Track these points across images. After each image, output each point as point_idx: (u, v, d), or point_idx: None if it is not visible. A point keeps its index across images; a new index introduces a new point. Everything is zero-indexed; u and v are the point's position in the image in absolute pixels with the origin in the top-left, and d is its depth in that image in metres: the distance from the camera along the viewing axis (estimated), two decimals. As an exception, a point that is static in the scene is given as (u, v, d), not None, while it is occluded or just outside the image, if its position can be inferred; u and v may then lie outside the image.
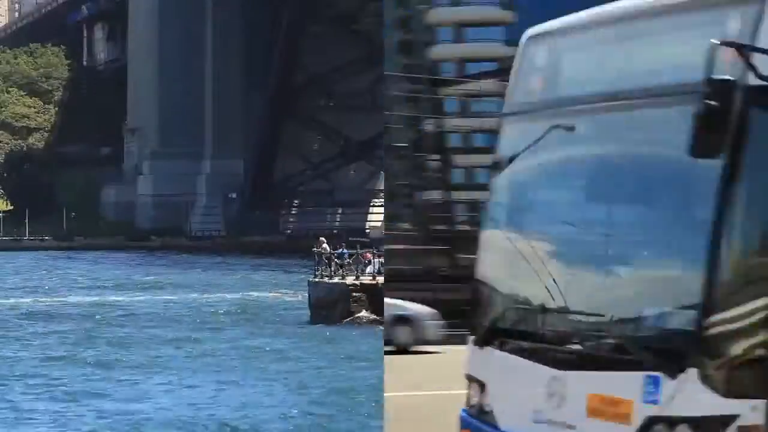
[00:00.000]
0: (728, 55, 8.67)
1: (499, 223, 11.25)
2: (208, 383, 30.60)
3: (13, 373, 33.10)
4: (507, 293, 10.90)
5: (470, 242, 12.92)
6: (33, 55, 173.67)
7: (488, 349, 10.73)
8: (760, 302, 8.82)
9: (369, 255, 44.98)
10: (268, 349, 37.45)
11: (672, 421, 8.77)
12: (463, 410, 11.07)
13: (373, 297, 41.31)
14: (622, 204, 9.91)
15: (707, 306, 8.75)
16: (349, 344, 37.17)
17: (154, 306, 56.92)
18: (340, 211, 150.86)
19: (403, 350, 28.60)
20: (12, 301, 59.53)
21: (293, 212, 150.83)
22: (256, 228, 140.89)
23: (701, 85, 8.62)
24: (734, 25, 8.93)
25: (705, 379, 8.68)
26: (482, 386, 10.71)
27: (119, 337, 42.29)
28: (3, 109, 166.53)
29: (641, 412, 9.01)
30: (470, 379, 10.92)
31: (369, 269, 44.09)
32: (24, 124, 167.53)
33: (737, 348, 8.82)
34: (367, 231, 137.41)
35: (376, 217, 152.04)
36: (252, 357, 35.82)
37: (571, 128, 10.16)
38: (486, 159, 12.93)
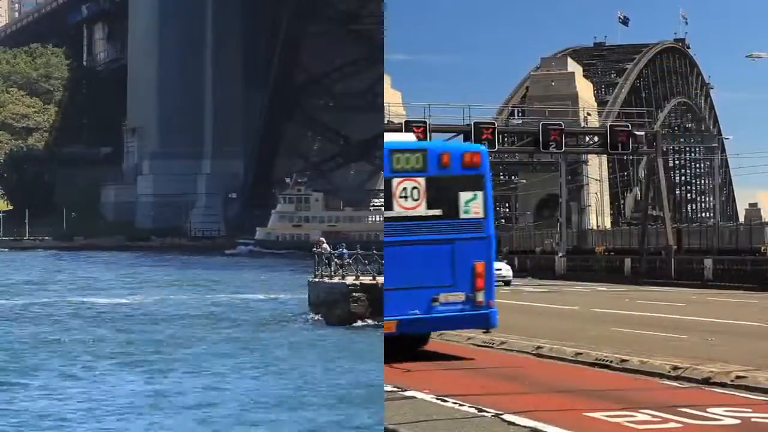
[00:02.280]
0: None
1: None
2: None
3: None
4: None
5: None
6: (33, 55, 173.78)
7: None
8: None
9: None
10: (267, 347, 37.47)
11: None
12: None
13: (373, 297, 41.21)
14: None
15: None
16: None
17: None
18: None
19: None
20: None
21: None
22: (256, 228, 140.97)
23: None
24: None
25: None
26: None
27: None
28: (3, 109, 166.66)
29: None
30: None
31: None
32: (24, 124, 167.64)
33: None
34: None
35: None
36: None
37: None
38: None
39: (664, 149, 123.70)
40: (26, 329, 44.12)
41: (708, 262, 64.90)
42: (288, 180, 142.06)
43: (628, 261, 77.04)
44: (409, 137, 29.45)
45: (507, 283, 66.28)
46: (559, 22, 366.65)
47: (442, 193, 22.67)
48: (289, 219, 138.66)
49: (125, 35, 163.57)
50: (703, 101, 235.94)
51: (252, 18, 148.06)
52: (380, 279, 43.08)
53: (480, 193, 22.73)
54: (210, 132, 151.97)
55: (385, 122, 69.52)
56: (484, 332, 25.90)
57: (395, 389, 18.80)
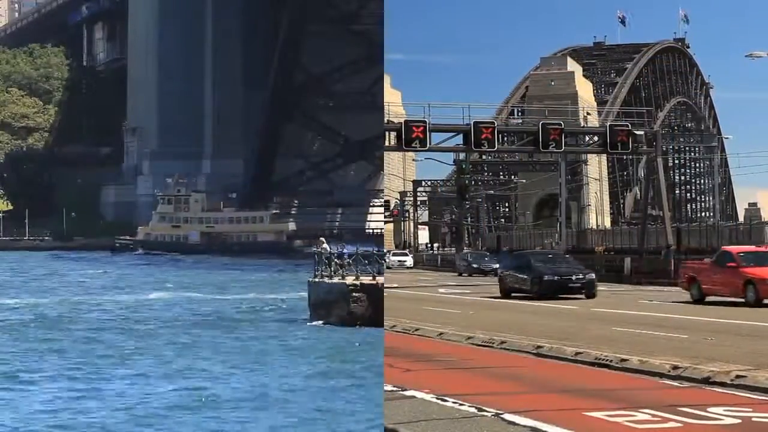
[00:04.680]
0: None
1: None
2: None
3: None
4: None
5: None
6: (33, 55, 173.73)
7: None
8: None
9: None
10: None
11: None
12: None
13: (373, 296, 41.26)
14: None
15: None
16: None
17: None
18: (340, 211, 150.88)
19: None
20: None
21: (293, 212, 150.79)
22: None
23: None
24: None
25: None
26: None
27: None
28: (3, 109, 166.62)
29: None
30: None
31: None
32: (24, 124, 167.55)
33: None
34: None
35: (375, 216, 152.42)
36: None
37: None
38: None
39: (664, 149, 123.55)
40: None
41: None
42: (169, 180, 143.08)
43: (627, 260, 76.99)
44: None
45: None
46: (559, 22, 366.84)
47: None
48: (169, 220, 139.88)
49: (125, 35, 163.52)
50: (702, 101, 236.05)
51: (252, 18, 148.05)
52: (380, 279, 43.17)
53: None
54: (210, 132, 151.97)
55: (385, 122, 69.50)
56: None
57: (395, 389, 18.83)
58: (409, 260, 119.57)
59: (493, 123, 69.74)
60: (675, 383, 19.29)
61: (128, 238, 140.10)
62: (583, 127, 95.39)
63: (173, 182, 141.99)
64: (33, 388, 29.57)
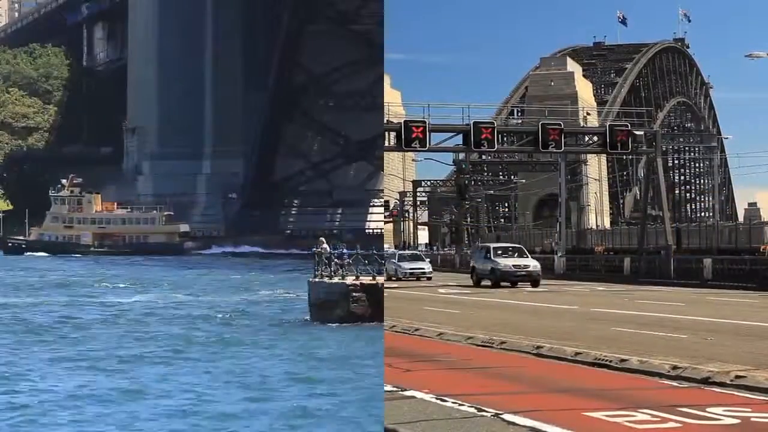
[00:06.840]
0: None
1: None
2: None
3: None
4: None
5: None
6: (33, 55, 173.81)
7: None
8: None
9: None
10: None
11: None
12: None
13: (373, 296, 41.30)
14: None
15: None
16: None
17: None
18: (340, 211, 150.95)
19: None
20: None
21: (293, 212, 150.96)
22: (255, 228, 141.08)
23: None
24: None
25: None
26: None
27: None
28: (3, 109, 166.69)
29: None
30: None
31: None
32: (24, 124, 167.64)
33: None
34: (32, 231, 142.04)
35: (375, 216, 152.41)
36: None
37: None
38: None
39: (664, 149, 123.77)
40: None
41: (707, 262, 64.90)
42: (64, 181, 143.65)
43: (627, 260, 77.06)
44: None
45: None
46: (559, 22, 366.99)
47: None
48: (62, 220, 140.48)
49: (125, 35, 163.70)
50: (702, 101, 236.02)
51: (252, 18, 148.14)
52: (380, 279, 43.23)
53: None
54: (210, 132, 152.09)
55: (385, 122, 69.56)
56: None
57: (395, 389, 18.84)
58: (428, 267, 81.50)
59: (492, 123, 69.75)
60: (674, 383, 19.30)
61: (21, 238, 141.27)
62: (583, 127, 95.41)
63: (68, 182, 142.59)
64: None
